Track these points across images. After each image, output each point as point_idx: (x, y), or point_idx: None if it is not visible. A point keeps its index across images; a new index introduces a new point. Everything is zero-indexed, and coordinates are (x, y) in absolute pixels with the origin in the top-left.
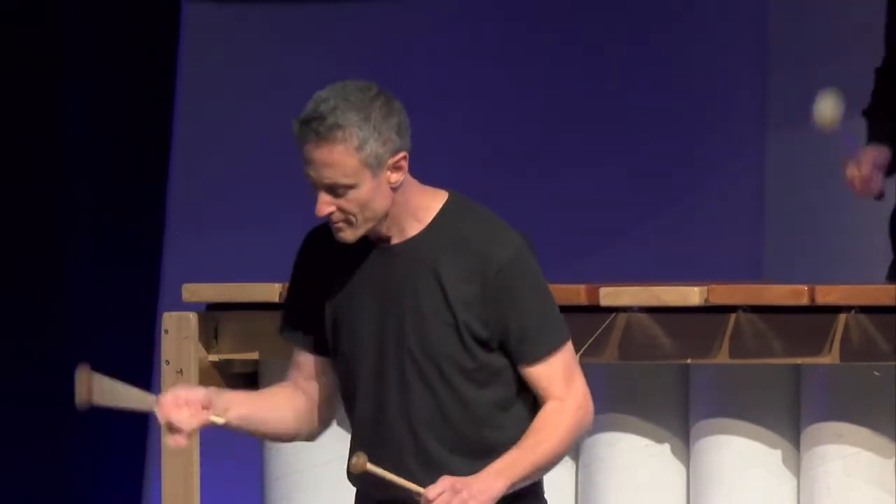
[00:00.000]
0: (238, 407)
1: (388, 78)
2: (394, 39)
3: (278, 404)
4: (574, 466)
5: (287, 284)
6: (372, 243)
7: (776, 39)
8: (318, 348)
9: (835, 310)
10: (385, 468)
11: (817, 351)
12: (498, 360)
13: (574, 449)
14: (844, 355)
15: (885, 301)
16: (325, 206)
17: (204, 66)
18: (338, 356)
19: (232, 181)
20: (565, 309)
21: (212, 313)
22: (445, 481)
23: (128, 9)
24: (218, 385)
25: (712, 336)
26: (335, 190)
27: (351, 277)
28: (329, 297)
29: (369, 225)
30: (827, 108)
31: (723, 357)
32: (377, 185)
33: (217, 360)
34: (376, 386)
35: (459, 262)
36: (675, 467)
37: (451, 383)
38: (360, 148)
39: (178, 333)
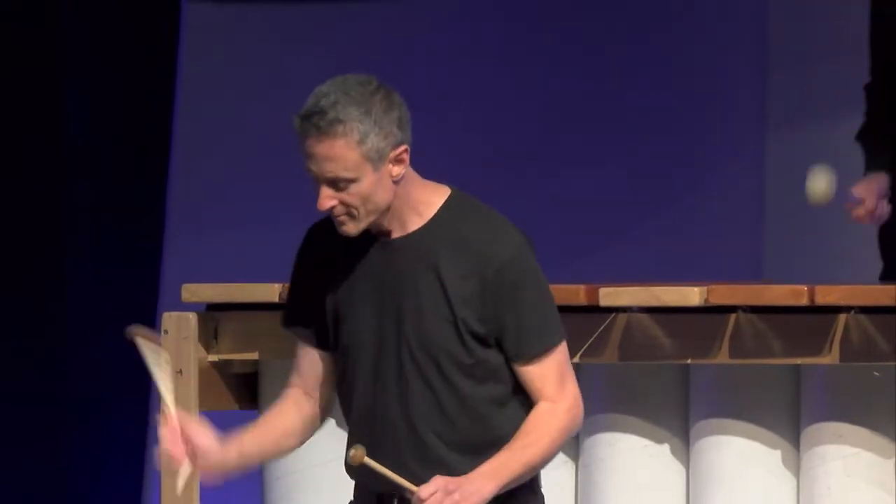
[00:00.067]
0: (247, 446)
1: (388, 78)
2: (394, 39)
3: (288, 428)
4: (574, 466)
5: (290, 278)
6: (373, 237)
7: (776, 39)
8: (320, 341)
9: (835, 310)
10: (382, 463)
11: (817, 351)
12: (495, 356)
13: (574, 449)
14: (844, 355)
15: (885, 301)
16: (327, 200)
17: (204, 66)
18: (338, 349)
19: (232, 181)
20: (565, 309)
21: (212, 313)
22: (438, 481)
23: (128, 9)
24: (217, 385)
25: (712, 336)
26: (337, 184)
27: (352, 271)
28: (331, 290)
29: (372, 218)
30: (819, 184)
31: (723, 357)
32: (379, 178)
33: (217, 360)
34: (375, 380)
35: (459, 259)
36: (675, 467)
37: (449, 379)
38: (361, 142)
39: (178, 333)
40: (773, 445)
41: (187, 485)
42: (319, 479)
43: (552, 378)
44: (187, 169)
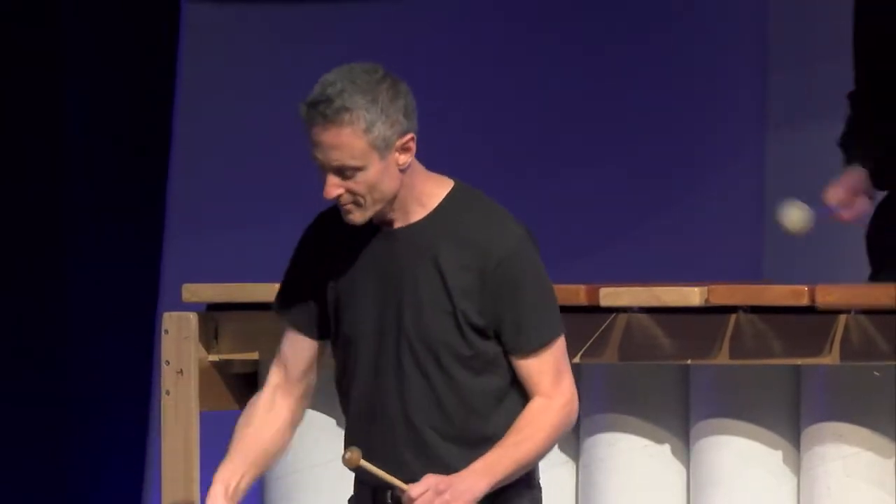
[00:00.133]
0: (247, 474)
1: None
2: (394, 39)
3: (272, 436)
4: (574, 466)
5: (289, 263)
6: (376, 227)
7: (776, 39)
8: (310, 329)
9: (835, 311)
10: (379, 455)
11: (817, 351)
12: (494, 348)
13: (574, 449)
14: (844, 356)
15: (885, 301)
16: (334, 188)
17: (204, 66)
18: (338, 340)
19: (232, 181)
20: (565, 309)
21: (212, 313)
22: (429, 480)
23: (128, 9)
24: (217, 385)
25: (712, 336)
26: (343, 172)
27: (354, 260)
28: (332, 279)
29: (378, 206)
30: (795, 219)
31: (723, 357)
32: (385, 166)
33: (217, 360)
34: (374, 373)
35: (460, 251)
36: (675, 467)
37: (447, 370)
38: (367, 130)
39: (178, 333)
40: (773, 445)
41: (187, 485)
42: (319, 479)
43: (548, 373)
44: (187, 169)
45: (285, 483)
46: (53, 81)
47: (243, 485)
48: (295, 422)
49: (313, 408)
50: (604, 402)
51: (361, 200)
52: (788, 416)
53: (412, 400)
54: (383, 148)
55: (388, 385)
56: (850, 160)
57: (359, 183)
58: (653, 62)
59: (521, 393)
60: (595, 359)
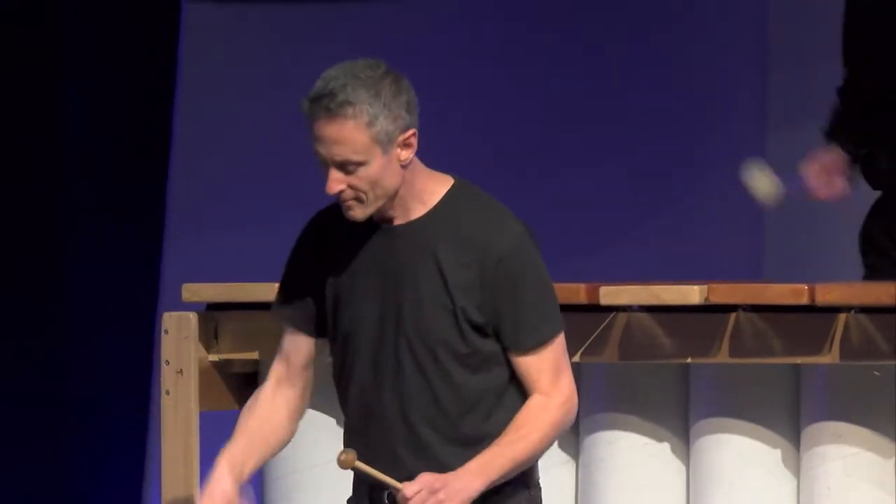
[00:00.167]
0: (251, 458)
1: None
2: (394, 39)
3: (270, 430)
4: (574, 466)
5: (287, 261)
6: (375, 224)
7: (776, 39)
8: (310, 327)
9: (835, 309)
10: (378, 453)
11: (817, 351)
12: (492, 346)
13: (574, 448)
14: (844, 355)
15: (885, 301)
16: (336, 183)
17: (204, 66)
18: (337, 337)
19: (232, 181)
20: (565, 308)
21: (212, 313)
22: (423, 479)
23: (128, 9)
24: (217, 384)
25: (712, 335)
26: (346, 167)
27: (354, 258)
28: (331, 276)
29: (380, 203)
30: (763, 183)
31: (723, 356)
32: (387, 161)
33: (217, 360)
34: (372, 370)
35: (460, 248)
36: (675, 467)
37: (444, 368)
38: (370, 124)
39: (178, 333)
40: (773, 445)
41: (187, 485)
42: (319, 479)
43: (547, 370)
44: (187, 169)
45: (285, 483)
46: (53, 81)
47: (247, 469)
48: (298, 413)
49: (313, 408)
50: (603, 401)
51: (363, 196)
52: (788, 415)
53: (410, 397)
54: (386, 142)
55: (387, 383)
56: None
57: (361, 178)
58: (653, 62)
59: (520, 391)
60: (595, 358)
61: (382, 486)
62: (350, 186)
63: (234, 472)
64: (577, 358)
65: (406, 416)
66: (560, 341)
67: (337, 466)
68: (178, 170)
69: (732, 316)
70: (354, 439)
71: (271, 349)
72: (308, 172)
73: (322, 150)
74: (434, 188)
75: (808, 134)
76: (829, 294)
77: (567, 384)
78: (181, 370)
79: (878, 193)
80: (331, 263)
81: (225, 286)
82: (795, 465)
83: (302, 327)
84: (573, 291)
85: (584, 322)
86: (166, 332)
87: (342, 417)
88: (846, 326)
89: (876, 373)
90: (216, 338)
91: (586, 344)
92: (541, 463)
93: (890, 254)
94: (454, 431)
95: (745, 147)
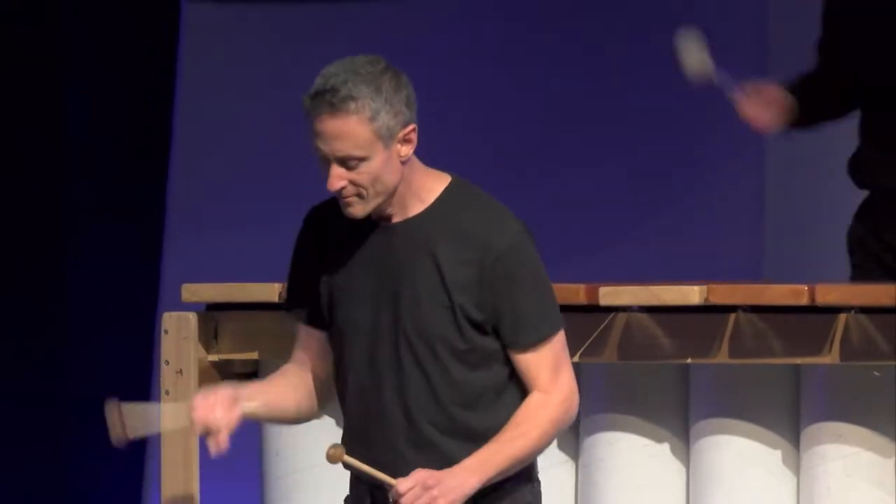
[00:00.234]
0: (259, 396)
1: None
2: (394, 39)
3: (286, 390)
4: (574, 466)
5: (290, 262)
6: (373, 222)
7: (776, 39)
8: (321, 322)
9: (835, 310)
10: (380, 450)
11: (817, 351)
12: (491, 343)
13: (574, 449)
14: (844, 355)
15: (885, 301)
16: (338, 179)
17: (204, 66)
18: (335, 333)
19: (232, 181)
20: (565, 308)
21: (212, 313)
22: (417, 475)
23: (128, 9)
24: (217, 385)
25: (712, 336)
26: (347, 163)
27: (351, 255)
28: (328, 273)
29: (380, 199)
30: (693, 59)
31: (723, 357)
32: (388, 157)
33: (217, 360)
34: (370, 366)
35: (458, 246)
36: (675, 467)
37: (443, 364)
38: (372, 119)
39: (178, 333)
40: (773, 445)
41: (187, 484)
42: (319, 479)
43: (547, 367)
44: (187, 169)
45: (285, 483)
46: (53, 81)
47: (248, 408)
48: (320, 395)
49: None
50: (603, 401)
51: (364, 192)
52: (788, 415)
53: (410, 395)
54: (387, 137)
55: (386, 380)
56: (809, 115)
57: (362, 174)
58: (653, 62)
59: (520, 387)
60: (594, 358)
61: (376, 482)
62: (351, 183)
63: (237, 393)
64: (576, 358)
65: (407, 413)
66: (559, 338)
67: (337, 466)
68: (178, 170)
69: (732, 316)
70: (354, 437)
71: (271, 349)
72: (308, 172)
73: (324, 147)
74: (432, 186)
75: (808, 134)
76: (829, 294)
77: (567, 381)
78: (181, 370)
79: (865, 193)
80: (329, 260)
81: (225, 286)
82: (795, 465)
83: (317, 324)
84: (573, 292)
85: (583, 322)
86: (166, 332)
87: (342, 418)
88: (846, 327)
89: (876, 373)
90: (216, 338)
91: (586, 344)
92: (540, 463)
93: (877, 253)
94: (455, 427)
95: (745, 147)
